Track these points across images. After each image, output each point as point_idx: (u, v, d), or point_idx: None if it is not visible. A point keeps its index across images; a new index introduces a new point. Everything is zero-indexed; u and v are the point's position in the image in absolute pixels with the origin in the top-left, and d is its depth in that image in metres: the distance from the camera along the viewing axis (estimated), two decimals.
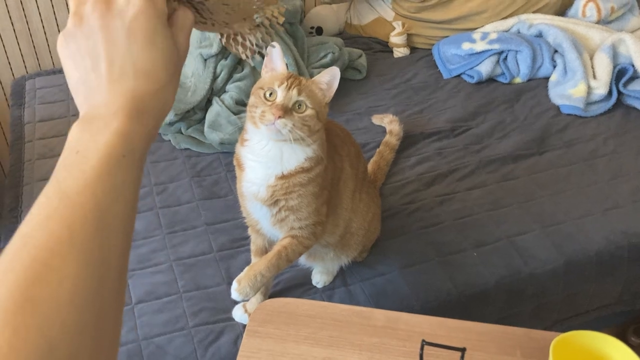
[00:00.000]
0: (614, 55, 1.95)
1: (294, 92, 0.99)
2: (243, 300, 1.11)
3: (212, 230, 1.42)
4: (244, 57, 0.60)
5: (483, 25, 2.16)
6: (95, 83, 0.46)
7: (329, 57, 1.95)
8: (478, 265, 1.35)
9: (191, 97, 1.73)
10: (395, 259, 1.35)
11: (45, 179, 1.34)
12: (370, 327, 0.94)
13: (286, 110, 0.97)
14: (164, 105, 0.48)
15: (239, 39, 0.59)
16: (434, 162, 1.65)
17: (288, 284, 1.30)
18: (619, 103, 1.91)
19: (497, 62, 2.01)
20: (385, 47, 2.24)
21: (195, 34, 1.73)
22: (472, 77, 2.00)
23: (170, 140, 1.73)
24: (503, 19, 2.16)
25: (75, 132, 0.44)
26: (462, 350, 0.78)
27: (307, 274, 1.32)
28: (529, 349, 0.89)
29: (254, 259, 1.22)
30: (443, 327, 0.94)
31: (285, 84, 0.99)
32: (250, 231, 1.21)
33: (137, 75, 0.46)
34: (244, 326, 1.13)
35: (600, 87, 1.89)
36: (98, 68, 0.46)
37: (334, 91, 1.04)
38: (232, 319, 1.22)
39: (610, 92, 1.90)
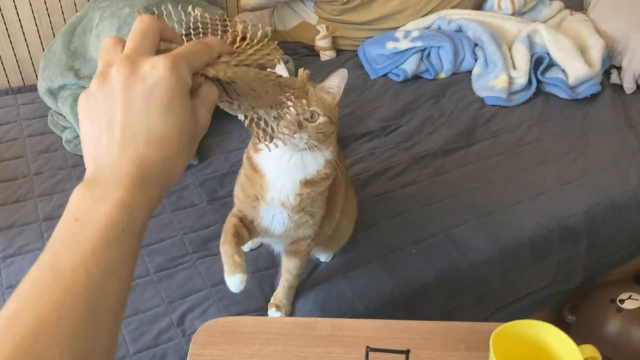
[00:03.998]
0: (530, 45, 2.02)
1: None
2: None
3: (147, 251, 1.37)
4: (261, 141, 0.61)
5: (405, 24, 2.19)
6: (106, 144, 0.46)
7: None
8: (418, 261, 1.36)
9: None
10: (335, 263, 1.35)
11: None
12: (315, 337, 0.93)
13: (299, 124, 0.99)
14: (172, 173, 0.48)
15: (262, 123, 0.60)
16: (367, 163, 1.66)
17: (233, 299, 1.28)
18: (539, 91, 1.98)
19: (421, 59, 2.05)
20: (312, 51, 2.24)
21: None
22: (398, 75, 2.03)
23: None
24: (424, 16, 2.20)
25: (77, 195, 0.44)
26: (406, 352, 0.78)
27: (251, 286, 1.29)
28: (472, 342, 0.90)
29: (226, 246, 1.11)
30: (388, 330, 0.94)
31: None
32: (232, 223, 1.13)
33: (149, 140, 0.46)
34: (188, 346, 1.11)
35: (521, 77, 1.96)
36: (112, 129, 0.46)
37: (342, 91, 1.04)
38: (175, 339, 1.19)
39: (530, 81, 1.97)
